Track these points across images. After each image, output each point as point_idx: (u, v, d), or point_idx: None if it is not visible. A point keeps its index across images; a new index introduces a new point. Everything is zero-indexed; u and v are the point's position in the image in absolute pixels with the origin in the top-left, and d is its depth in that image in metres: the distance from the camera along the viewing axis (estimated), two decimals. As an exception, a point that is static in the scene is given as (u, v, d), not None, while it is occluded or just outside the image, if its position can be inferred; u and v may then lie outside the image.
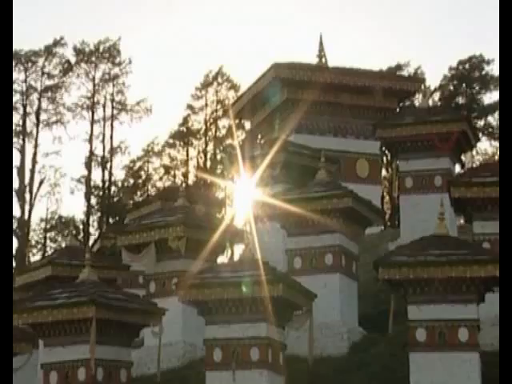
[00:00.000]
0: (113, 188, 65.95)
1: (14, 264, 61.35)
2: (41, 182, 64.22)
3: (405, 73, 59.23)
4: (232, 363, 24.30)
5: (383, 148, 38.56)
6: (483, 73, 61.60)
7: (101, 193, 65.32)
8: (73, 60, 65.65)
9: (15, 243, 62.94)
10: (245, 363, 24.26)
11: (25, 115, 64.46)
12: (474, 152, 51.34)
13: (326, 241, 29.14)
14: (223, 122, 64.66)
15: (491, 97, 61.20)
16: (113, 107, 65.50)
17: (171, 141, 66.11)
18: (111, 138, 65.24)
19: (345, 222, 29.27)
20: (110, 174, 65.51)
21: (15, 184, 62.89)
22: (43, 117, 64.88)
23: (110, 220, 63.38)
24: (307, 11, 78.19)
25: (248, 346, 24.30)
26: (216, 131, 65.57)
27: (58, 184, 64.68)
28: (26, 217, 63.62)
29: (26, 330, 27.36)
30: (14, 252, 62.66)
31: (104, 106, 65.51)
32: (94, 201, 65.29)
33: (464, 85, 61.79)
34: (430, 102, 48.26)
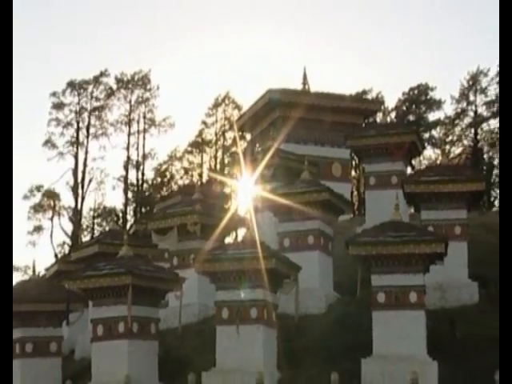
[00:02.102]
0: (145, 185, 65.99)
1: (69, 243, 61.56)
2: (90, 181, 64.20)
3: (369, 96, 59.22)
4: (236, 320, 24.33)
5: (352, 154, 38.58)
6: (428, 97, 61.80)
7: (135, 189, 65.35)
8: (114, 87, 65.61)
9: (71, 227, 63.23)
10: (246, 320, 24.28)
11: (78, 129, 64.37)
12: (421, 157, 51.30)
13: (308, 226, 29.09)
14: (229, 134, 64.56)
15: (434, 115, 61.51)
16: (144, 123, 65.41)
17: (189, 149, 66.05)
18: (143, 146, 65.26)
19: (323, 211, 29.24)
20: (143, 174, 65.57)
21: (71, 182, 63.22)
22: (92, 130, 64.86)
23: (143, 210, 63.38)
24: (296, 48, 78.21)
25: (248, 307, 24.33)
26: (224, 141, 65.57)
27: (103, 182, 64.66)
28: (79, 207, 63.79)
29: (79, 294, 27.39)
30: (69, 234, 62.89)
31: (138, 122, 65.46)
32: (130, 195, 65.29)
33: (413, 106, 61.93)
34: (388, 119, 48.53)
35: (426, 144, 48.03)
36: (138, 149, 65.03)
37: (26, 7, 79.86)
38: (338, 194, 30.55)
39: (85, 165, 63.97)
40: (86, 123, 64.79)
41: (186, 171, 66.16)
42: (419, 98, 61.80)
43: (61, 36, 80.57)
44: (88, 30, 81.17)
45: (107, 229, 47.07)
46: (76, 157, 63.97)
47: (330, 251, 29.66)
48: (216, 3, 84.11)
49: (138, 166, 65.08)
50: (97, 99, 65.20)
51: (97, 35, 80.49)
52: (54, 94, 64.41)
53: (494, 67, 58.75)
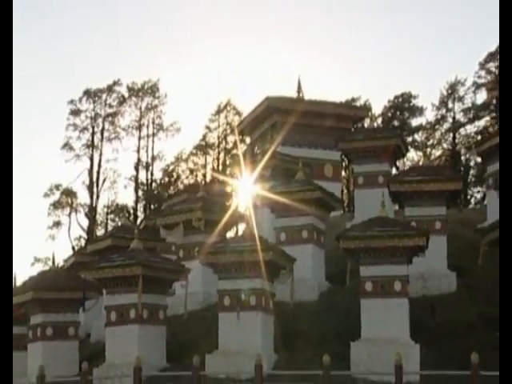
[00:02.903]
0: (153, 184, 65.90)
1: (85, 237, 61.54)
2: (104, 180, 64.04)
3: (357, 103, 59.13)
4: (237, 307, 24.38)
5: (343, 156, 38.51)
6: (411, 104, 61.82)
7: (145, 188, 65.26)
8: (126, 95, 65.49)
9: (86, 222, 63.23)
10: (245, 307, 24.32)
11: (93, 134, 64.27)
12: (405, 159, 51.20)
13: (302, 221, 29.06)
14: (231, 138, 64.49)
15: (416, 121, 61.57)
16: (153, 128, 65.24)
17: (194, 151, 65.98)
18: (152, 149, 65.11)
19: (316, 208, 29.22)
20: (152, 174, 65.44)
21: (86, 181, 63.28)
22: (105, 135, 64.72)
23: (152, 207, 63.29)
24: (292, 59, 78.08)
25: (248, 295, 24.33)
26: (226, 144, 65.49)
27: (115, 181, 64.54)
28: (94, 204, 63.74)
29: (94, 283, 27.38)
30: (85, 229, 62.88)
31: (147, 127, 65.31)
32: (140, 193, 65.19)
33: (398, 112, 61.88)
34: (375, 124, 48.52)
35: (409, 147, 48.02)
36: (147, 151, 65.01)
37: (47, 23, 79.97)
38: (330, 193, 30.54)
39: (99, 166, 63.94)
40: (100, 128, 64.71)
41: (191, 172, 66.13)
42: (403, 105, 61.82)
43: (77, 49, 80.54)
44: (102, 43, 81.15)
45: (119, 224, 47.03)
46: (91, 158, 63.92)
47: (323, 244, 29.63)
48: (219, 19, 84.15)
49: (147, 166, 65.02)
50: (110, 106, 65.09)
51: (110, 48, 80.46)
52: (71, 102, 64.39)
53: (470, 77, 59.14)
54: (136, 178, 64.71)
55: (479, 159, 41.33)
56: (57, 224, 63.02)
